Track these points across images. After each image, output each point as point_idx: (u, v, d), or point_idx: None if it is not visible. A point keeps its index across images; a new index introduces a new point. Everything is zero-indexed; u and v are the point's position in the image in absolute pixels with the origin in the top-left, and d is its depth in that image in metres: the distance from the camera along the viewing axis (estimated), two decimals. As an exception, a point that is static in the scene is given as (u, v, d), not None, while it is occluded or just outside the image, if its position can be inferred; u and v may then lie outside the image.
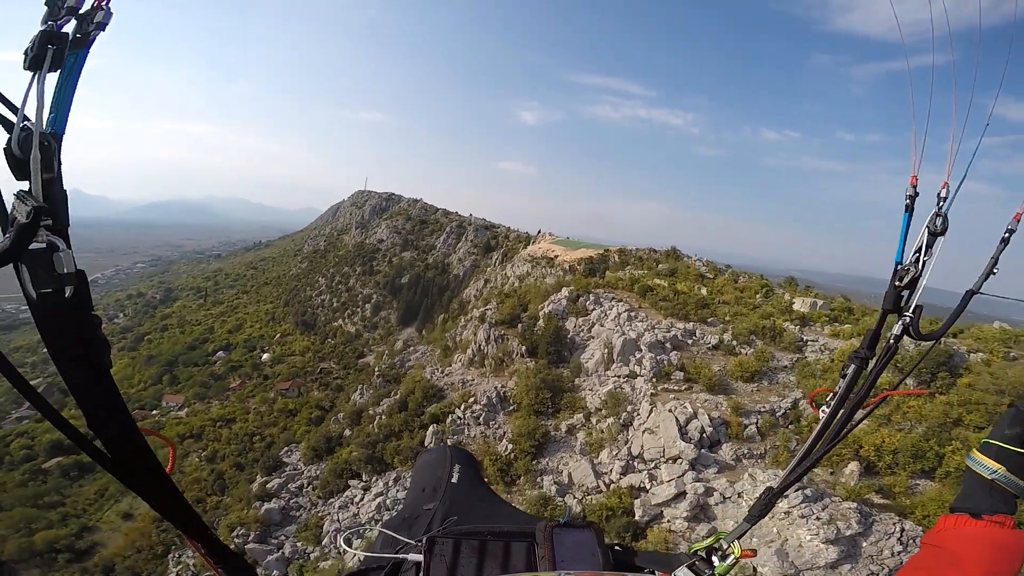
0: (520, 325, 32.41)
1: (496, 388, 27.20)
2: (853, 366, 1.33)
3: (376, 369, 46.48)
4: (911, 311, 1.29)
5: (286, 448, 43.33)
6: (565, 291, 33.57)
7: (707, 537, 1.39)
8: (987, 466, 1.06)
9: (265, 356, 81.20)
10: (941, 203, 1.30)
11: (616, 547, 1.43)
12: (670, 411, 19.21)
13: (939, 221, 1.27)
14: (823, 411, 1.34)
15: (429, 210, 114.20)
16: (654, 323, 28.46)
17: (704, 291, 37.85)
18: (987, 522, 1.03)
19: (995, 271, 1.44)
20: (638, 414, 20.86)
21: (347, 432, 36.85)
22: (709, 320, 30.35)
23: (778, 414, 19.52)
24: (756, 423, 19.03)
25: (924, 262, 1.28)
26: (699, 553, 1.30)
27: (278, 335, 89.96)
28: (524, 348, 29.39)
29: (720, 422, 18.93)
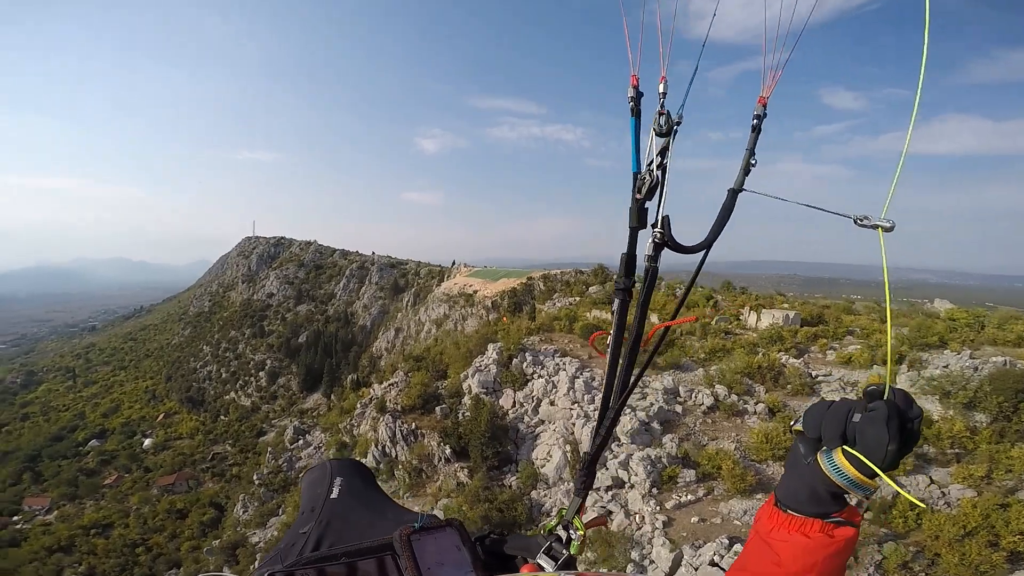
0: (439, 409, 23.20)
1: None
2: (618, 301, 1.23)
3: (256, 476, 34.82)
4: (660, 224, 1.15)
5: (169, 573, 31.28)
6: (492, 351, 24.84)
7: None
8: (846, 474, 0.96)
9: (147, 442, 69.14)
10: (662, 99, 1.14)
11: (491, 535, 1.36)
12: (713, 561, 11.02)
13: (662, 120, 1.13)
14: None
15: (324, 253, 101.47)
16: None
17: (655, 319, 30.85)
18: (818, 524, 1.00)
19: (753, 163, 1.18)
20: (651, 562, 12.46)
21: (225, 570, 25.89)
22: (683, 363, 22.98)
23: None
24: None
25: (662, 167, 1.15)
26: (554, 532, 1.27)
27: (161, 415, 77.05)
28: (448, 449, 20.19)
29: None
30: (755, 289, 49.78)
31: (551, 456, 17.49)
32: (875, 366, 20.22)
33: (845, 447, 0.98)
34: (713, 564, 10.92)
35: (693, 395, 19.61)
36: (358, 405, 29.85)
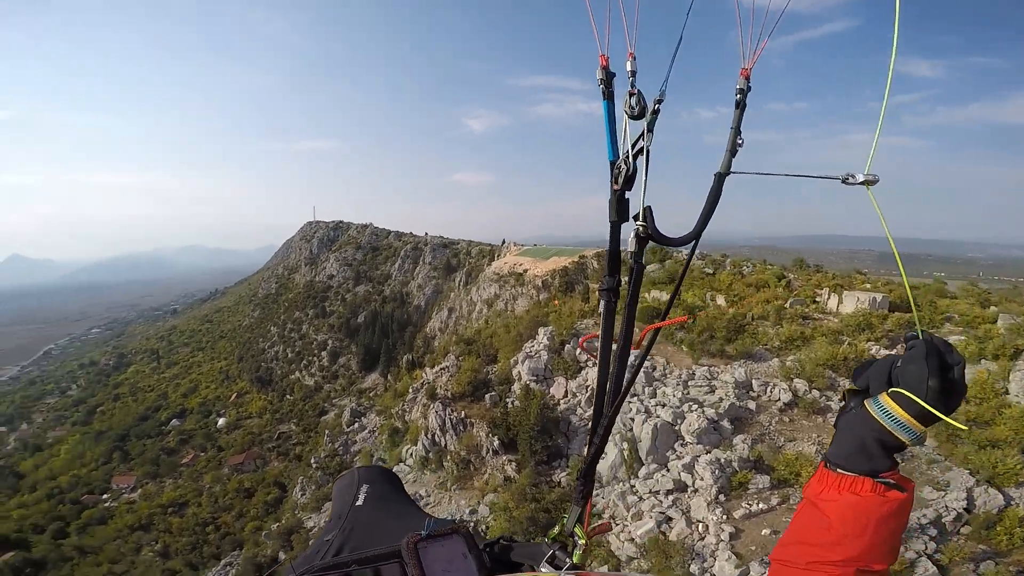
0: (488, 396, 22.23)
1: (462, 517, 17.02)
2: (603, 302, 1.19)
3: (313, 459, 35.48)
4: (641, 215, 1.07)
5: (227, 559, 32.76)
6: (543, 336, 23.52)
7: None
8: (892, 414, 0.94)
9: (221, 421, 72.10)
10: (631, 78, 1.03)
11: (499, 543, 1.38)
12: None
13: (633, 101, 1.03)
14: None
15: (380, 235, 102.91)
16: (684, 376, 18.64)
17: (722, 301, 28.39)
18: (869, 483, 0.96)
19: (739, 143, 1.10)
20: (713, 576, 10.98)
21: (281, 555, 26.46)
22: (756, 353, 20.74)
23: (947, 520, 10.06)
24: (927, 551, 9.50)
25: (638, 154, 1.07)
26: (558, 540, 1.27)
27: (234, 395, 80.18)
28: (496, 441, 19.19)
29: None
30: (828, 266, 45.47)
31: (606, 453, 16.02)
32: (983, 360, 17.30)
33: (891, 389, 0.96)
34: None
35: (768, 390, 17.51)
36: (410, 390, 29.48)
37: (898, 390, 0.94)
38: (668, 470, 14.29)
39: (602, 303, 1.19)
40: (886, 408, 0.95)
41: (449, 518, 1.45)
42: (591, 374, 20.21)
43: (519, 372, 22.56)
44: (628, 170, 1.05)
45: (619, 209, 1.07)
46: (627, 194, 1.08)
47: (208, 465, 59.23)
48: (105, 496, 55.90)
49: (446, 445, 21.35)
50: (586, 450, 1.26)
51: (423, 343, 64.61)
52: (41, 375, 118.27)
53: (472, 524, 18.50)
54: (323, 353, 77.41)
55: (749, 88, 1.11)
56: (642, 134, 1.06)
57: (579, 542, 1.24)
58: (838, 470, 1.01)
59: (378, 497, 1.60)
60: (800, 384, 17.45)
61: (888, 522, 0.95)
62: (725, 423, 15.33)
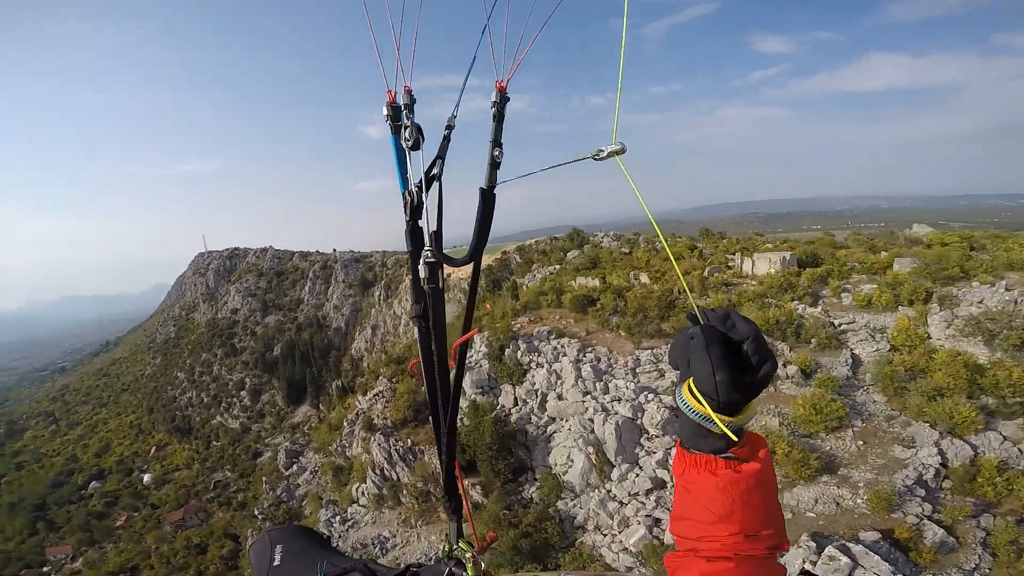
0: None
1: (430, 555, 15.62)
2: (416, 329, 1.24)
3: (257, 510, 32.05)
4: (427, 241, 1.14)
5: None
6: (480, 344, 22.38)
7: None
8: (695, 410, 0.93)
9: (147, 478, 66.30)
10: (408, 113, 1.11)
11: (409, 569, 1.36)
12: (804, 569, 9.23)
13: (407, 134, 1.09)
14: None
15: (283, 258, 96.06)
16: (630, 363, 18.36)
17: (645, 279, 28.80)
18: (722, 461, 0.96)
19: (497, 155, 1.12)
20: None
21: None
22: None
23: (928, 477, 10.40)
24: (925, 513, 9.73)
25: (423, 184, 1.13)
26: (453, 556, 1.28)
27: (153, 449, 73.90)
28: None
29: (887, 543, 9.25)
30: (725, 232, 48.30)
31: (572, 460, 15.34)
32: (900, 308, 18.53)
33: (690, 381, 0.93)
34: (806, 573, 8.98)
35: (711, 362, 17.57)
36: (345, 422, 27.19)
37: (688, 387, 0.92)
38: (641, 468, 13.82)
39: (416, 329, 1.22)
40: (687, 403, 0.93)
41: (391, 567, 1.41)
42: (538, 376, 19.43)
43: (462, 387, 21.30)
44: (414, 201, 1.11)
45: (413, 239, 1.14)
46: (419, 223, 1.13)
47: (146, 525, 54.42)
48: (46, 568, 51.35)
49: (399, 478, 19.69)
50: (440, 462, 1.26)
51: (351, 366, 61.06)
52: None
53: (378, 557, 17.01)
54: (242, 393, 71.14)
55: (507, 98, 1.12)
56: (433, 162, 1.11)
57: (467, 555, 1.23)
58: (692, 451, 1.00)
59: (295, 554, 1.56)
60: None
61: (752, 495, 0.94)
62: (682, 406, 15.11)
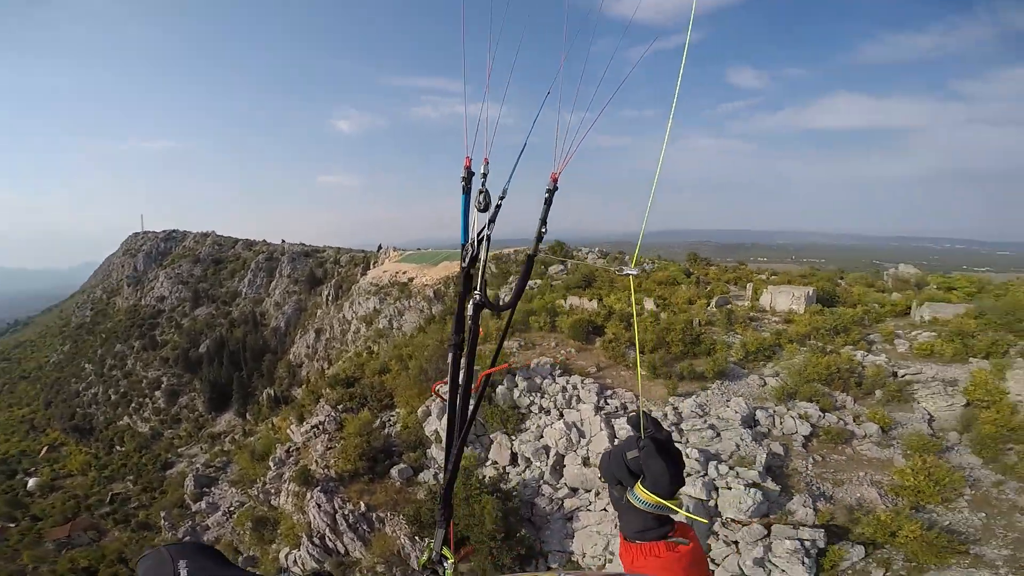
0: (397, 471, 15.27)
1: None
2: (451, 355, 1.36)
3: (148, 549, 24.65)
4: (478, 288, 1.29)
5: None
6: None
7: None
8: (644, 500, 1.12)
9: (31, 483, 54.82)
10: (482, 180, 1.26)
11: None
12: None
13: (481, 198, 1.24)
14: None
15: (224, 245, 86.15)
16: (671, 416, 13.80)
17: (651, 305, 24.57)
18: (662, 544, 1.14)
19: (543, 232, 1.31)
20: None
21: None
22: (729, 370, 16.81)
23: None
24: None
25: (483, 240, 1.27)
26: (428, 567, 1.32)
27: (44, 449, 62.38)
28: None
29: None
30: (671, 258, 45.52)
31: (613, 552, 10.43)
32: (973, 360, 15.16)
33: (640, 484, 1.13)
34: None
35: (776, 421, 13.31)
36: (272, 458, 20.91)
37: (643, 489, 1.12)
38: (721, 566, 9.12)
39: (450, 355, 1.36)
40: (645, 501, 1.12)
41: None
42: (543, 425, 14.47)
43: (436, 431, 16.00)
44: (473, 252, 1.27)
45: (465, 282, 1.29)
46: (471, 271, 1.28)
47: (24, 540, 44.32)
48: None
49: (349, 552, 14.02)
50: (442, 476, 1.30)
51: (287, 372, 53.42)
52: None
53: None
54: (157, 393, 61.51)
55: (556, 188, 1.27)
56: (486, 224, 1.25)
57: (447, 563, 1.29)
58: (637, 542, 1.17)
59: (204, 570, 1.24)
60: (808, 409, 13.62)
61: (692, 570, 1.14)
62: (770, 483, 10.62)
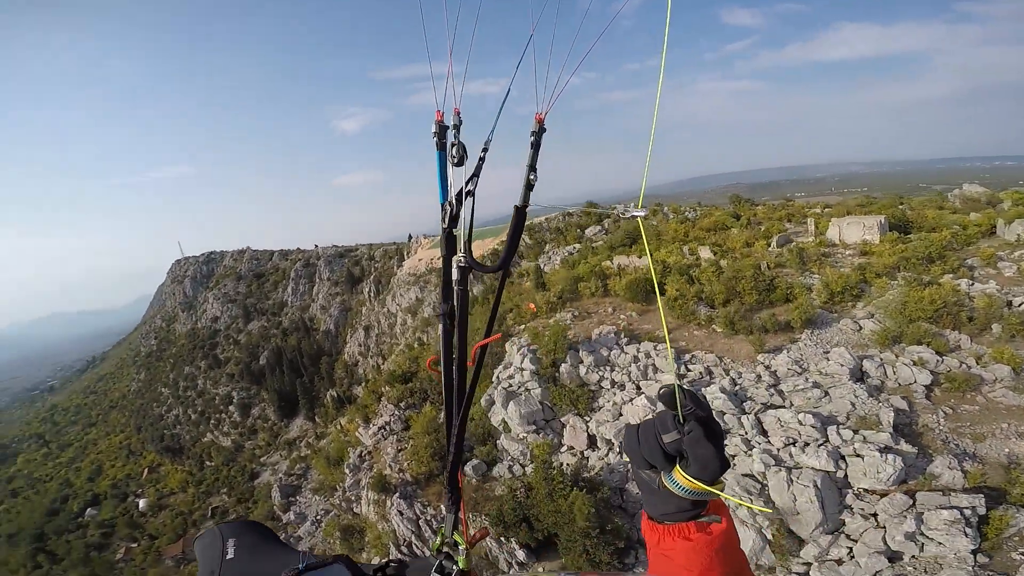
0: (471, 468, 14.57)
1: None
2: (441, 326, 1.27)
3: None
4: (462, 248, 1.20)
5: None
6: (522, 358, 16.09)
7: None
8: (684, 487, 1.01)
9: (142, 503, 59.33)
10: (455, 132, 1.17)
11: (388, 565, 1.29)
12: None
13: (455, 151, 1.17)
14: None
15: (262, 258, 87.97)
16: (767, 378, 12.41)
17: (707, 253, 22.81)
18: (693, 525, 1.04)
19: (532, 179, 1.20)
20: None
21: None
22: (817, 317, 15.14)
23: None
24: None
25: (468, 195, 1.19)
26: (443, 551, 1.29)
27: (145, 471, 66.62)
28: (517, 546, 11.79)
29: None
30: (709, 203, 42.52)
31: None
32: None
33: (679, 469, 1.01)
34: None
35: (888, 371, 11.70)
36: (346, 465, 20.76)
37: (686, 476, 0.99)
38: (858, 540, 7.88)
39: (440, 326, 1.26)
40: (684, 487, 1.00)
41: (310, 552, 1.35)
42: (617, 401, 13.36)
43: (504, 420, 15.15)
44: (452, 211, 1.17)
45: (447, 244, 1.19)
46: (454, 231, 1.19)
47: (147, 559, 48.49)
48: None
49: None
50: (447, 458, 1.27)
51: (345, 372, 54.35)
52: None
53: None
54: (231, 408, 64.15)
55: (544, 130, 1.18)
56: (470, 179, 1.17)
57: (461, 547, 1.25)
58: (665, 523, 1.07)
59: (249, 547, 1.43)
60: (922, 353, 11.89)
61: (723, 552, 1.04)
62: (903, 445, 9.18)
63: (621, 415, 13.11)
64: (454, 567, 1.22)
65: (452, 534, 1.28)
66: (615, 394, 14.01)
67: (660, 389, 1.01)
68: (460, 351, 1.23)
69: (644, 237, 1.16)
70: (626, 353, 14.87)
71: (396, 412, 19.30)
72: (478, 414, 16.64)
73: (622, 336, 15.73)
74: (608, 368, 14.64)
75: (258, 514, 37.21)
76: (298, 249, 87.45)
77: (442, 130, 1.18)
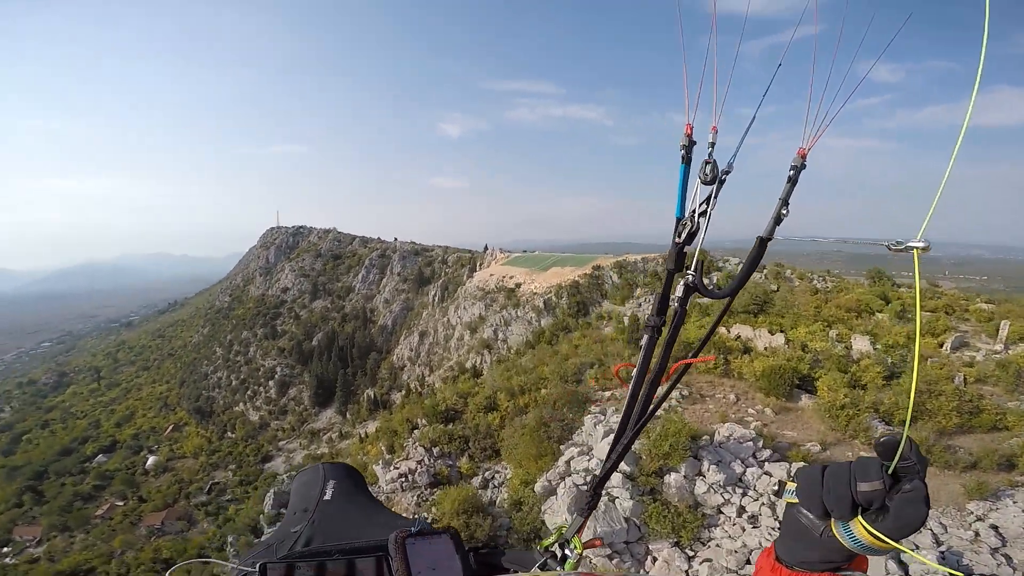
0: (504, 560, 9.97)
1: None
2: (647, 337, 1.23)
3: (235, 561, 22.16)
4: (694, 266, 1.16)
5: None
6: (603, 439, 11.42)
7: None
8: (861, 540, 0.88)
9: (151, 460, 59.27)
10: (711, 148, 1.15)
11: (481, 549, 1.34)
12: None
13: (708, 168, 1.13)
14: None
15: (343, 241, 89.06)
16: (983, 537, 6.87)
17: (863, 345, 17.10)
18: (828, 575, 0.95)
19: (784, 213, 1.14)
20: None
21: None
22: None
23: None
24: None
25: (701, 214, 1.15)
26: (550, 550, 1.26)
27: (170, 427, 66.99)
28: None
29: None
30: (802, 267, 35.31)
31: None
32: None
33: (862, 520, 0.89)
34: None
35: None
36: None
37: (872, 530, 0.86)
38: None
39: (645, 336, 1.22)
40: (860, 540, 0.89)
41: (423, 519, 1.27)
42: (751, 539, 8.39)
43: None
44: (692, 227, 1.13)
45: (677, 259, 1.17)
46: (686, 248, 1.15)
47: (124, 520, 48.00)
48: (6, 550, 46.11)
49: None
50: (604, 463, 1.22)
51: (389, 374, 51.75)
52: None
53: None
54: (271, 383, 63.59)
55: (804, 166, 1.13)
56: (708, 198, 1.14)
57: (574, 551, 1.21)
58: (798, 570, 0.98)
59: (345, 493, 1.50)
60: None
61: None
62: None
63: (748, 562, 8.14)
64: (558, 567, 1.19)
65: (573, 535, 1.23)
66: (742, 528, 9.06)
67: (880, 436, 0.88)
68: (660, 365, 1.17)
69: (916, 277, 0.87)
70: (764, 472, 9.86)
71: (426, 460, 15.16)
72: (527, 497, 12.11)
73: (760, 445, 10.69)
74: (739, 491, 9.67)
75: (244, 514, 34.22)
76: (379, 239, 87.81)
77: (691, 144, 1.13)
